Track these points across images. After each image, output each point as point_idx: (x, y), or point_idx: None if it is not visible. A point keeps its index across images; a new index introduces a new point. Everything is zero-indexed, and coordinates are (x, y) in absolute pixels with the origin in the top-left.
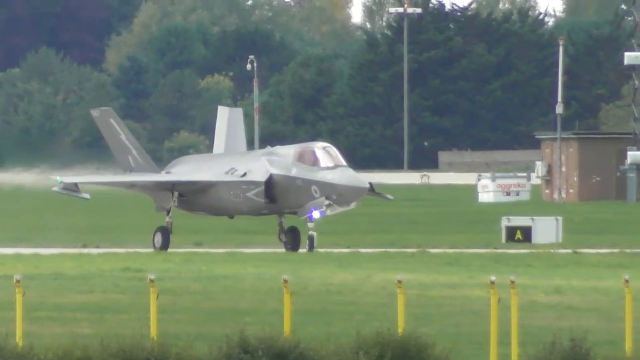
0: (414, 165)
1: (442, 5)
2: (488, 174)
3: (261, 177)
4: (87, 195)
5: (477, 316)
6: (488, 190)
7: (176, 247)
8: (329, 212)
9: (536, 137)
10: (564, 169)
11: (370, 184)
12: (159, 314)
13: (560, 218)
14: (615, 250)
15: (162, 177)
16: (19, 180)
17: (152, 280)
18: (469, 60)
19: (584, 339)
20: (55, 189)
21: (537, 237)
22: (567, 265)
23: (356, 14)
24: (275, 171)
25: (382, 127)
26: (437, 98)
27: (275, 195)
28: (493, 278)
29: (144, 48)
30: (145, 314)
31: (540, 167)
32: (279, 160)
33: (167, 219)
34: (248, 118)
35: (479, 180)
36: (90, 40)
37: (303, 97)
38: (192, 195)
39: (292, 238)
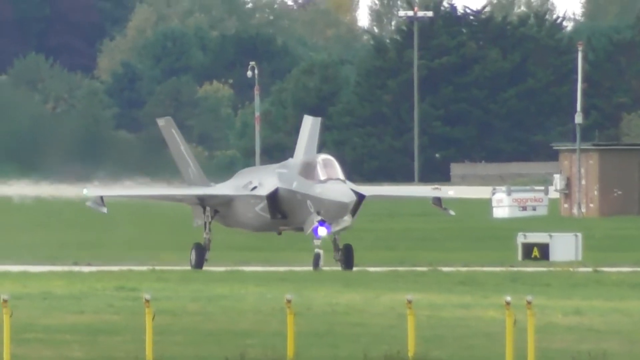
0: (425, 178)
1: (454, 9)
2: (503, 188)
3: (266, 191)
4: (105, 210)
5: (492, 339)
6: (503, 204)
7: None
8: (336, 229)
9: (554, 148)
10: (583, 182)
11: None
12: (155, 336)
13: (579, 234)
14: (638, 269)
15: (188, 190)
16: (5, 193)
17: (147, 300)
18: (483, 66)
19: None
20: (88, 203)
21: (555, 255)
22: (587, 284)
23: (363, 17)
24: (281, 185)
25: (391, 137)
26: (449, 107)
27: (284, 210)
28: (508, 298)
29: (138, 54)
30: (141, 335)
31: (558, 180)
32: (286, 174)
33: (203, 234)
34: (249, 128)
35: (493, 194)
36: (81, 46)
37: (307, 106)
38: (221, 210)
39: (345, 256)
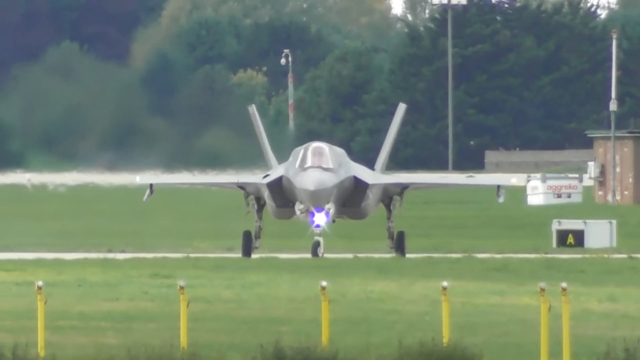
0: (459, 166)
1: None
2: (538, 175)
3: (269, 179)
4: (145, 198)
5: (527, 325)
6: (538, 192)
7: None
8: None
9: (588, 135)
10: (618, 169)
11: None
12: (190, 323)
13: (614, 221)
14: None
15: (228, 178)
16: (40, 181)
17: (182, 287)
18: (517, 54)
19: (639, 349)
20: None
21: (590, 242)
22: (622, 271)
23: (397, 5)
24: (284, 174)
25: (425, 125)
26: (483, 95)
27: (286, 199)
28: (543, 285)
29: (172, 42)
30: (175, 322)
31: (592, 168)
32: (292, 162)
33: (253, 222)
34: (282, 116)
35: (528, 181)
36: (115, 34)
37: (341, 94)
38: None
39: (397, 244)
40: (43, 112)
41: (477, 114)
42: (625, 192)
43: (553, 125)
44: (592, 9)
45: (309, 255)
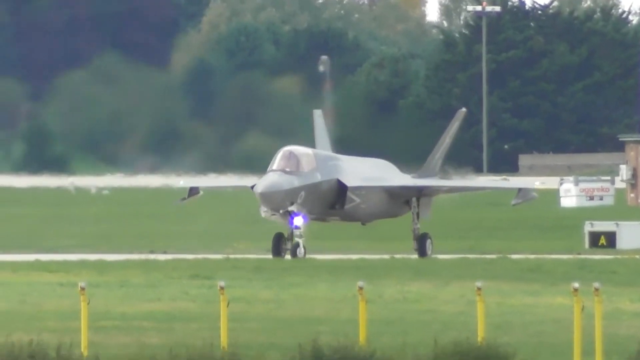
0: (494, 169)
1: (522, 4)
2: (571, 178)
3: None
4: (179, 201)
5: (560, 325)
6: (571, 194)
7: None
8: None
9: (620, 139)
10: None
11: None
12: (230, 323)
13: None
14: None
15: (240, 182)
16: (84, 184)
17: (222, 288)
18: (550, 60)
19: None
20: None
21: (622, 243)
22: None
23: (431, 12)
24: None
25: (460, 129)
26: (516, 100)
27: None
28: (576, 285)
29: (211, 48)
30: (216, 322)
31: (624, 171)
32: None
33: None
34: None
35: (561, 184)
36: (155, 41)
37: (377, 99)
38: None
39: (419, 245)
40: (86, 117)
41: (511, 119)
42: None
43: (585, 129)
44: (624, 16)
45: (346, 256)
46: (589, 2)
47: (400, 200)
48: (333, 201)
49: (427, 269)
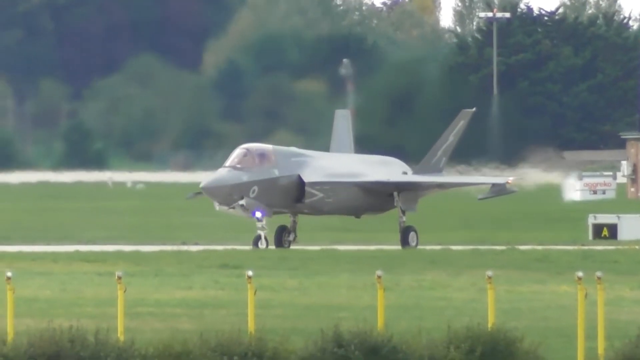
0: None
1: (531, 10)
2: (575, 173)
3: None
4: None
5: (565, 311)
6: (575, 188)
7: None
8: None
9: (621, 137)
10: None
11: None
12: (257, 309)
13: None
14: None
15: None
16: (120, 179)
17: (249, 277)
18: (556, 63)
19: None
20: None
21: (623, 234)
22: None
23: (445, 18)
24: None
25: (471, 128)
26: (525, 100)
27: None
28: (580, 274)
29: (240, 51)
30: (243, 309)
31: (625, 166)
32: None
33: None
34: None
35: (566, 179)
36: (188, 44)
37: (394, 100)
38: None
39: (402, 237)
40: (123, 116)
41: (520, 117)
42: None
43: (589, 127)
44: (625, 21)
45: (366, 247)
46: (592, 9)
47: (383, 195)
48: (296, 195)
49: (441, 259)
